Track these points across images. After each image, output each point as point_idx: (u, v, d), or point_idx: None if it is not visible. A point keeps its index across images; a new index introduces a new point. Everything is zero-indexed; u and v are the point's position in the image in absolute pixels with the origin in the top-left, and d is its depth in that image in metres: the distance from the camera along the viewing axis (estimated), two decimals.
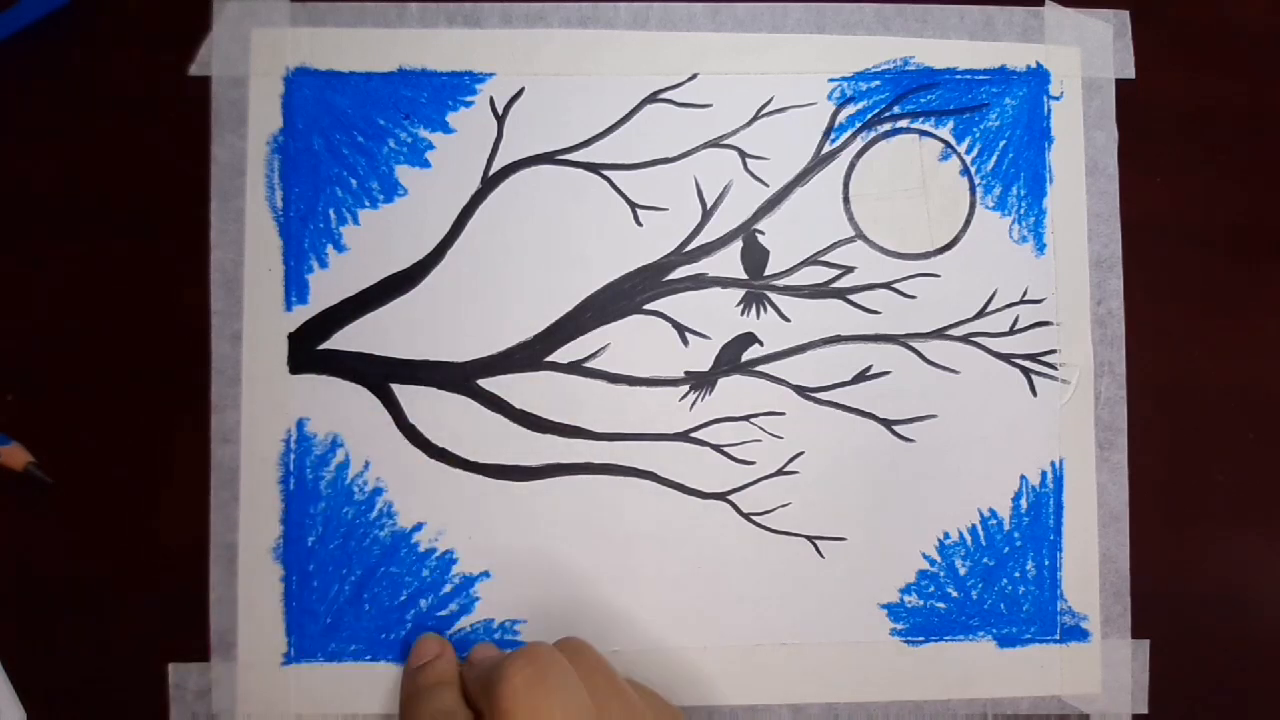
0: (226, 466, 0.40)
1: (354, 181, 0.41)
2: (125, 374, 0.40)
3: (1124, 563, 0.41)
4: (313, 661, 0.40)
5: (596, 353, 0.41)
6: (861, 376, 0.41)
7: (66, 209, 0.41)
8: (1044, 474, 0.41)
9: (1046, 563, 0.41)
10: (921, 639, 0.41)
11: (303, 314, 0.40)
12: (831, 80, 0.42)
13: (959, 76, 0.42)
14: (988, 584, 0.41)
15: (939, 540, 0.41)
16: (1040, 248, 0.42)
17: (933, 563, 0.41)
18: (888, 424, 0.41)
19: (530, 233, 0.41)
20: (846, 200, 0.41)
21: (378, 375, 0.40)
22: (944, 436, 0.41)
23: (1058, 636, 0.41)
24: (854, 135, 0.42)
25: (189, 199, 0.40)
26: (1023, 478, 0.41)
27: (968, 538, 0.41)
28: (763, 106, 0.41)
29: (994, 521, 0.41)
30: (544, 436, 0.40)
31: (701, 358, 0.41)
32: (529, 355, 0.40)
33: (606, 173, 0.41)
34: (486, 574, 0.40)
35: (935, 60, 0.42)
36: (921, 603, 0.41)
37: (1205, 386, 0.42)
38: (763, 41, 0.41)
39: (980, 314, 0.41)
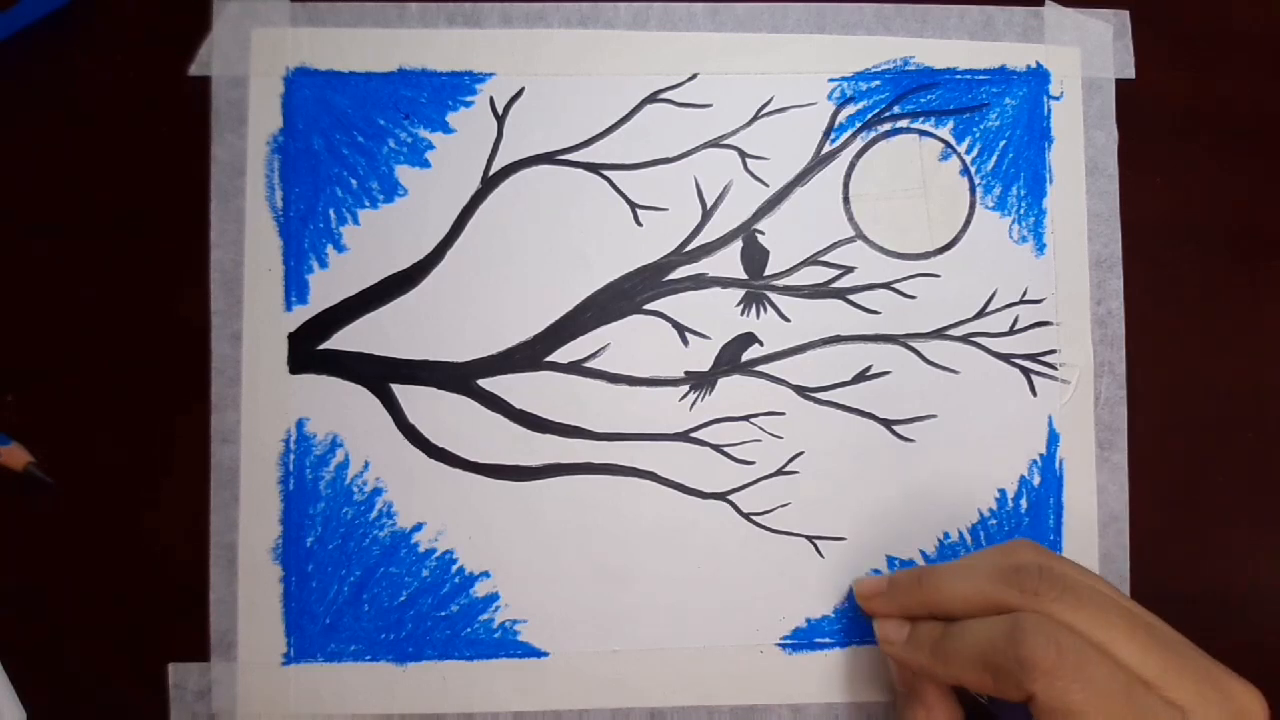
0: (226, 466, 0.40)
1: (354, 181, 0.41)
2: (125, 374, 0.40)
3: (1124, 563, 0.41)
4: (312, 662, 0.40)
5: (596, 353, 0.41)
6: (861, 376, 0.41)
7: (66, 209, 0.41)
8: (1044, 474, 0.41)
9: None
10: None
11: (303, 314, 0.40)
12: (831, 80, 0.42)
13: (959, 76, 0.42)
14: None
15: (939, 540, 0.41)
16: (1040, 248, 0.42)
17: (933, 563, 0.41)
18: (888, 424, 0.41)
19: (530, 233, 0.41)
20: (846, 200, 0.41)
21: (377, 375, 0.40)
22: (944, 436, 0.41)
23: None
24: (854, 135, 0.42)
25: (189, 199, 0.40)
26: (1022, 478, 0.41)
27: (968, 537, 0.41)
28: (763, 106, 0.41)
29: (994, 521, 0.41)
30: (544, 436, 0.40)
31: (701, 358, 0.41)
32: (529, 355, 0.40)
33: (606, 173, 0.41)
34: (486, 574, 0.40)
35: (935, 60, 0.42)
36: None
37: (1205, 386, 0.42)
38: (763, 41, 0.41)
39: (980, 314, 0.41)
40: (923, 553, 0.41)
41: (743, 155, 0.41)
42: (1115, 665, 0.30)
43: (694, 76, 0.41)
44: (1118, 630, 0.31)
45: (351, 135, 0.41)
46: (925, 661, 0.33)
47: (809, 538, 0.41)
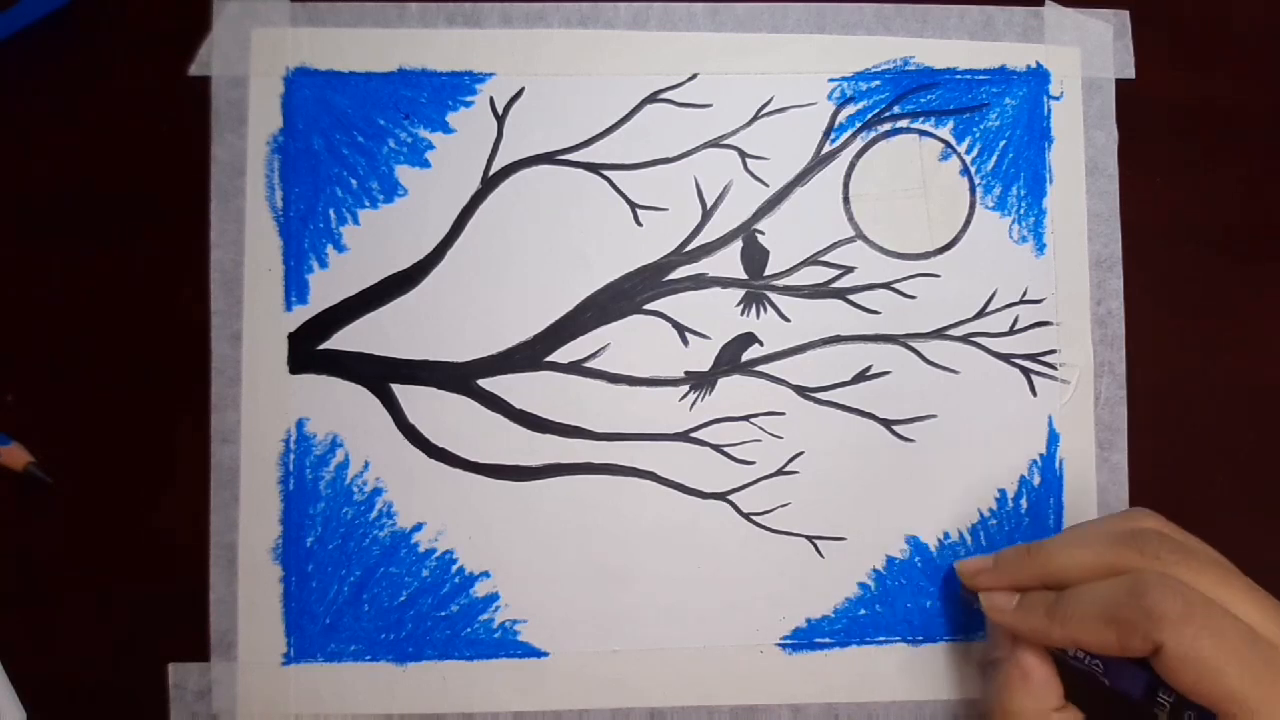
0: (226, 466, 0.40)
1: (354, 181, 0.41)
2: (125, 374, 0.40)
3: None
4: (312, 662, 0.40)
5: (596, 353, 0.41)
6: (861, 376, 0.41)
7: (66, 209, 0.41)
8: (1044, 474, 0.41)
9: None
10: (922, 639, 0.41)
11: (303, 314, 0.40)
12: (831, 80, 0.42)
13: (959, 76, 0.42)
14: None
15: (939, 540, 0.41)
16: (1040, 248, 0.42)
17: (933, 562, 0.41)
18: (888, 424, 0.41)
19: (530, 233, 0.41)
20: (846, 200, 0.41)
21: (378, 375, 0.40)
22: (944, 436, 0.41)
23: None
24: (854, 135, 0.42)
25: (189, 199, 0.40)
26: (1022, 478, 0.41)
27: (968, 538, 0.41)
28: (763, 106, 0.41)
29: (994, 522, 0.41)
30: (544, 436, 0.40)
31: (701, 358, 0.41)
32: (529, 355, 0.40)
33: (606, 173, 0.41)
34: (486, 574, 0.40)
35: (935, 60, 0.42)
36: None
37: (1205, 386, 0.42)
38: (763, 41, 0.41)
39: (980, 314, 0.41)
40: (922, 553, 0.41)
41: (743, 155, 0.41)
42: (1239, 620, 0.31)
43: (694, 76, 0.41)
44: (1237, 593, 0.32)
45: (351, 135, 0.41)
46: (1039, 624, 0.34)
47: (809, 538, 0.41)
